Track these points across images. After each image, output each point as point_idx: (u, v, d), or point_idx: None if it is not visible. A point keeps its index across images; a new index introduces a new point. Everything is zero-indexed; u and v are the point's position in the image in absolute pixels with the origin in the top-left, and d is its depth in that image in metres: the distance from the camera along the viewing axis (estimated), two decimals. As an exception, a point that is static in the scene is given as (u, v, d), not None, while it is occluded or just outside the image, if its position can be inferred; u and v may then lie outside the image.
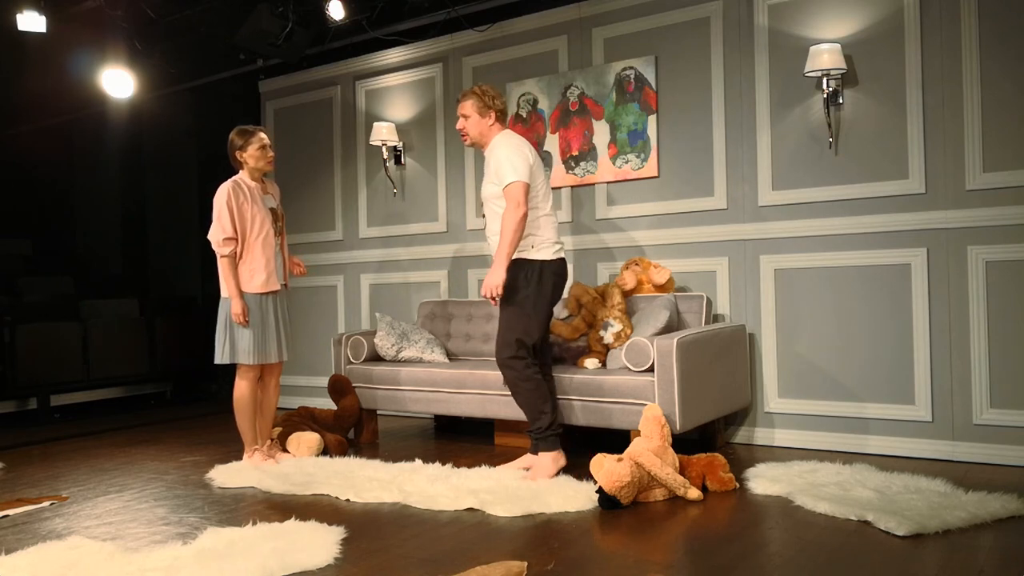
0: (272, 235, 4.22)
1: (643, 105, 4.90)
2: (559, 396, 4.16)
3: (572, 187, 5.16)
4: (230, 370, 4.36)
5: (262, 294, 4.18)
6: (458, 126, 4.01)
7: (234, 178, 4.23)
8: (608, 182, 5.04)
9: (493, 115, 3.96)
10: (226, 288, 4.14)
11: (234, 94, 6.97)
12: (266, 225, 4.20)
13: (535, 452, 3.91)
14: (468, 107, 3.96)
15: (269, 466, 4.19)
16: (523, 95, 5.33)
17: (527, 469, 3.90)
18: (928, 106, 4.10)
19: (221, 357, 4.19)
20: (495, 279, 3.74)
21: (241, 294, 4.13)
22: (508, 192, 3.76)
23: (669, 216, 4.84)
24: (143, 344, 6.97)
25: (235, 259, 4.14)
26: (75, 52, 6.29)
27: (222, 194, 4.14)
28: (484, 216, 4.02)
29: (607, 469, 3.35)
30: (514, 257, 3.81)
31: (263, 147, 4.22)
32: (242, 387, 4.23)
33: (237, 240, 4.14)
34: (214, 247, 4.15)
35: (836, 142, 4.33)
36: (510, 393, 4.01)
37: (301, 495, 3.72)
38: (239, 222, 4.14)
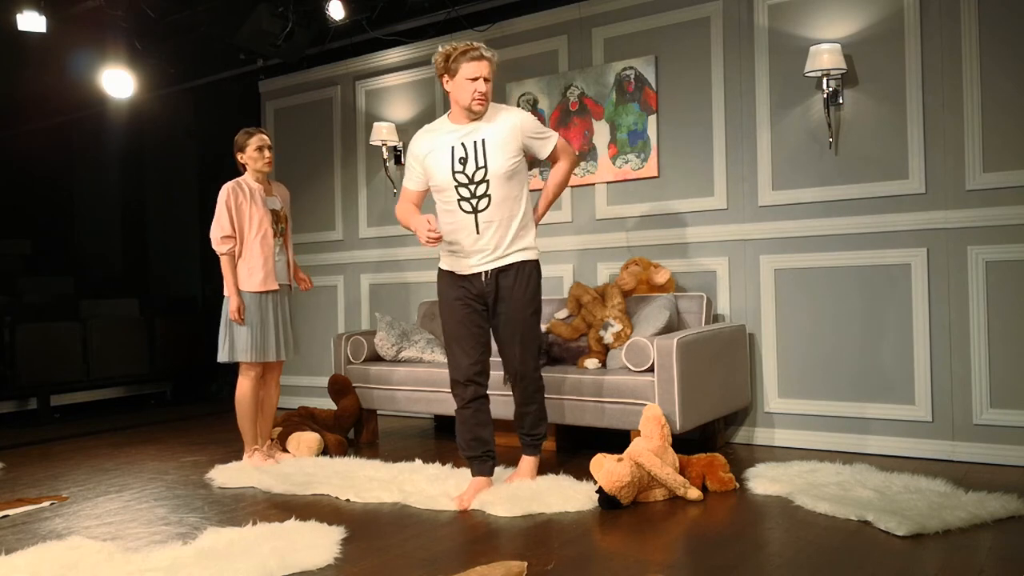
0: (271, 235, 4.25)
1: (643, 105, 4.90)
2: (560, 396, 4.16)
3: (572, 187, 5.15)
4: (230, 370, 4.38)
5: (260, 293, 4.21)
6: (484, 89, 3.37)
7: (237, 179, 4.30)
8: (608, 182, 5.04)
9: None
10: (226, 286, 4.19)
11: (234, 94, 6.97)
12: (264, 225, 4.23)
13: (527, 454, 3.73)
14: (491, 70, 3.41)
15: (269, 466, 4.20)
16: (523, 95, 5.33)
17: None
18: (928, 106, 4.10)
19: (222, 355, 4.24)
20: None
21: (239, 292, 4.17)
22: (563, 144, 3.57)
23: (669, 216, 4.83)
24: (143, 344, 6.98)
25: (234, 257, 4.19)
26: (75, 52, 6.29)
27: (222, 193, 4.21)
28: (481, 201, 3.42)
29: (607, 469, 3.35)
30: (532, 259, 3.53)
31: (260, 148, 4.27)
32: (244, 386, 4.25)
33: (235, 239, 4.18)
34: (213, 245, 4.21)
35: (836, 142, 4.32)
36: (525, 403, 3.65)
37: (301, 495, 3.72)
38: (237, 221, 4.20)
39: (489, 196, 3.41)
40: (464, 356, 3.53)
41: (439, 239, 3.36)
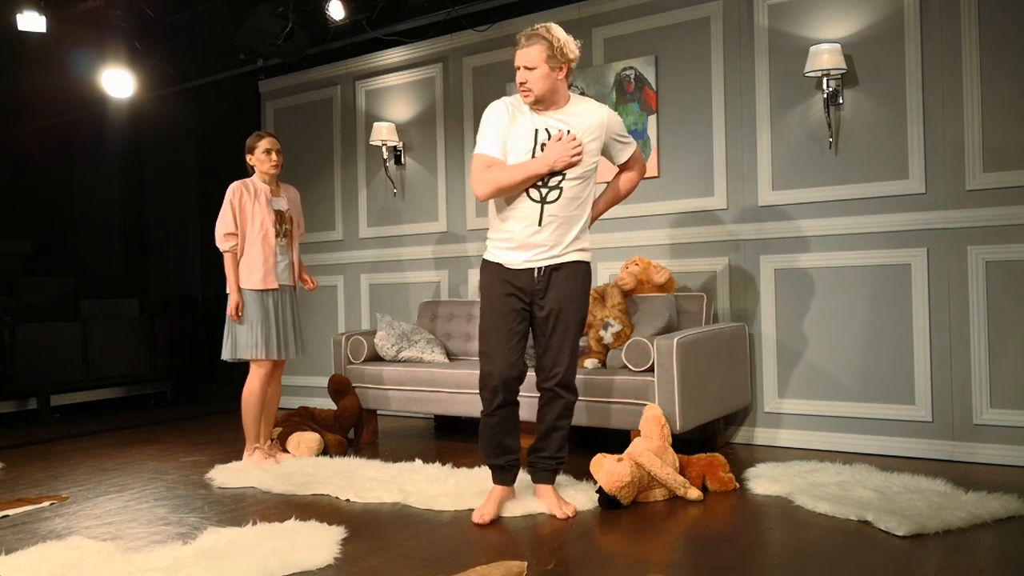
0: (272, 235, 4.29)
1: (643, 105, 4.90)
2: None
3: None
4: (230, 370, 4.39)
5: (261, 291, 4.24)
6: (523, 79, 3.08)
7: (245, 179, 4.36)
8: (608, 182, 5.02)
9: (566, 69, 3.12)
10: (228, 283, 4.26)
11: (234, 94, 6.97)
12: (266, 225, 4.28)
13: (548, 482, 3.34)
14: (535, 56, 3.05)
15: (269, 465, 4.21)
16: (523, 95, 5.32)
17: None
18: (928, 106, 4.10)
19: (225, 353, 4.29)
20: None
21: (240, 290, 4.22)
22: (639, 154, 3.42)
23: (669, 216, 4.83)
24: (143, 344, 6.97)
25: (236, 255, 4.25)
26: (75, 52, 6.29)
27: (228, 192, 4.28)
28: (552, 192, 3.11)
29: (607, 469, 3.35)
30: (583, 260, 3.25)
31: (267, 151, 4.34)
32: (252, 383, 4.30)
33: (238, 236, 4.25)
34: (216, 242, 4.27)
35: (836, 142, 4.32)
36: (560, 417, 3.30)
37: (301, 495, 3.72)
38: (240, 219, 4.26)
39: (561, 189, 3.11)
40: (501, 357, 3.16)
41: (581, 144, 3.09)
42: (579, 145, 3.08)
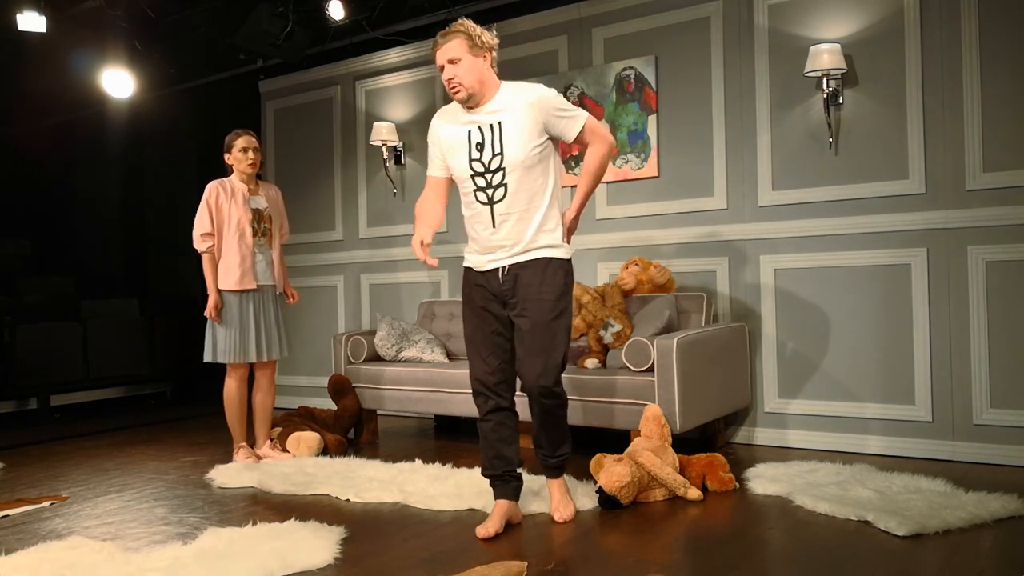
0: (249, 234, 4.30)
1: (643, 105, 4.90)
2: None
3: (573, 187, 5.14)
4: (226, 370, 4.41)
5: (239, 292, 4.26)
6: (449, 76, 3.02)
7: (223, 178, 4.37)
8: (608, 182, 5.03)
9: (489, 56, 3.09)
10: (207, 284, 4.29)
11: (234, 94, 6.98)
12: (243, 224, 4.28)
13: (551, 477, 3.29)
14: (457, 48, 3.03)
15: (269, 466, 4.22)
16: (523, 95, 5.32)
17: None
18: (928, 106, 4.10)
19: (207, 355, 4.32)
20: (575, 223, 3.23)
21: (218, 291, 4.24)
22: (594, 126, 3.11)
23: (669, 216, 4.83)
24: (143, 344, 6.98)
25: (214, 256, 4.27)
26: (75, 52, 6.30)
27: (205, 192, 4.30)
28: (497, 191, 3.03)
29: (607, 469, 3.35)
30: (559, 256, 3.11)
31: (244, 150, 4.34)
32: (229, 385, 4.35)
33: (214, 236, 4.26)
34: (194, 243, 4.29)
35: (836, 142, 4.33)
36: (544, 423, 3.16)
37: (301, 495, 3.73)
38: (216, 220, 4.27)
39: (505, 186, 3.02)
40: (481, 363, 3.14)
41: (428, 263, 3.14)
42: (425, 259, 3.11)
